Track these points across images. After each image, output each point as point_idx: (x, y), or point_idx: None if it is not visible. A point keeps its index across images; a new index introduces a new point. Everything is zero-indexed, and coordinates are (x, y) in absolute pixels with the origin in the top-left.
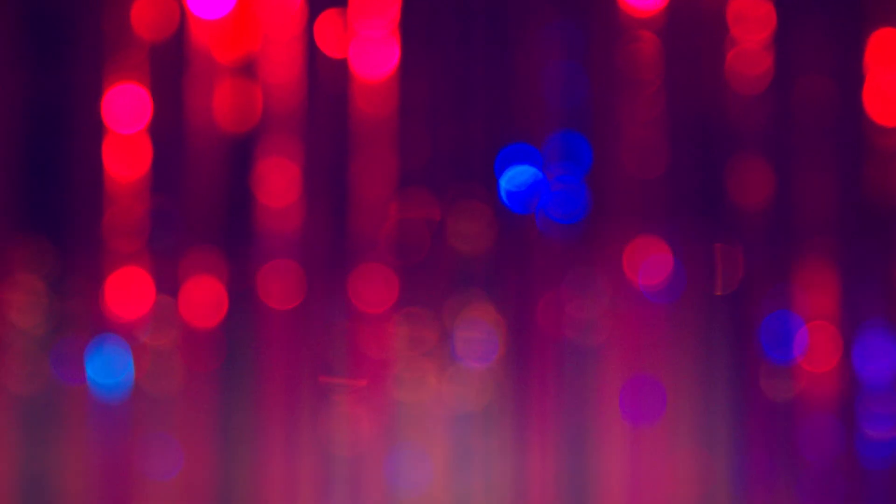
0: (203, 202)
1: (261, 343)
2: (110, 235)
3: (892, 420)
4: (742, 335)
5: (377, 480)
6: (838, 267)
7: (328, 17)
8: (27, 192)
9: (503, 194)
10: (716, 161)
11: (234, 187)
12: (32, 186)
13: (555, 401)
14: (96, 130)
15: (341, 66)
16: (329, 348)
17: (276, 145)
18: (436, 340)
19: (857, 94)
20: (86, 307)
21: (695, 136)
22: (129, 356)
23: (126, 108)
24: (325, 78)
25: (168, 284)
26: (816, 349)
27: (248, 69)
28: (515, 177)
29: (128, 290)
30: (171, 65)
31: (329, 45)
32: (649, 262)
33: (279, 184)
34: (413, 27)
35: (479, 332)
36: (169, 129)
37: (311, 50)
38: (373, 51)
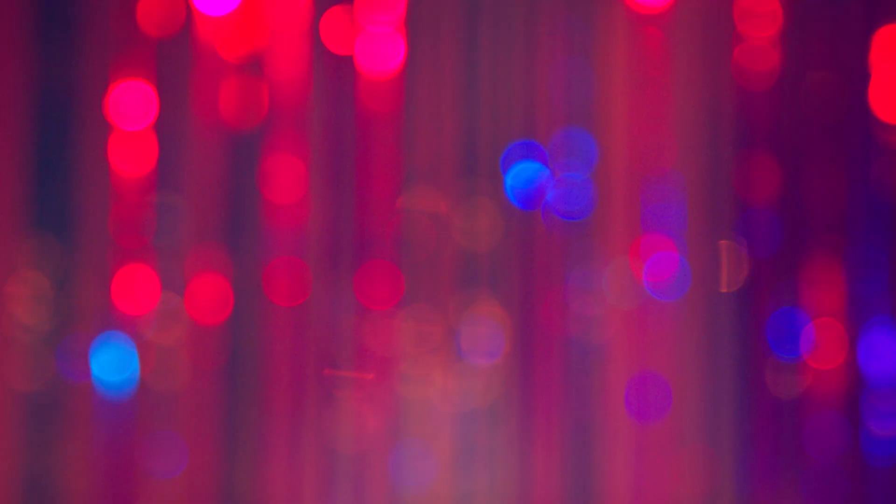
0: (209, 199)
1: (266, 340)
2: (116, 232)
3: None
4: (748, 332)
5: (382, 477)
6: (844, 264)
7: (334, 13)
8: (33, 189)
9: (509, 191)
10: (722, 158)
11: (239, 184)
12: (39, 183)
13: (560, 397)
14: (102, 127)
15: (347, 63)
16: (335, 345)
17: (281, 142)
18: (441, 337)
19: (864, 90)
20: (92, 304)
21: (701, 133)
22: (135, 353)
23: (132, 104)
24: (331, 74)
25: (174, 281)
26: (823, 346)
27: (254, 66)
28: (521, 173)
29: (134, 286)
30: (177, 62)
31: (335, 42)
32: (655, 259)
33: (285, 180)
34: (419, 24)
35: (484, 328)
36: (175, 126)
37: (317, 47)
38: (379, 47)
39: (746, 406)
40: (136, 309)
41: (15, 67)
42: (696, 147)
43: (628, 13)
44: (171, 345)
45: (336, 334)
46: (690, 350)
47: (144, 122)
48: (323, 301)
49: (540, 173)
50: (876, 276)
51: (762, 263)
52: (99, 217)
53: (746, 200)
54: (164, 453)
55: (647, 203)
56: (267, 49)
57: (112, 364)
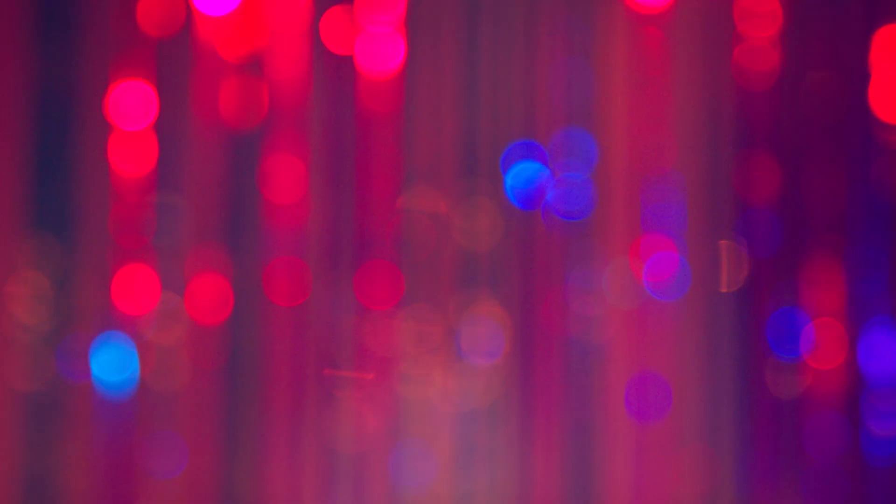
0: (209, 199)
1: (266, 340)
2: (116, 232)
3: None
4: (748, 332)
5: (382, 477)
6: (845, 264)
7: (334, 13)
8: (33, 189)
9: (509, 191)
10: (722, 158)
11: (239, 184)
12: (39, 183)
13: (560, 397)
14: (102, 127)
15: (347, 63)
16: (335, 345)
17: (281, 142)
18: (441, 337)
19: (864, 90)
20: (92, 304)
21: (701, 133)
22: (135, 353)
23: (132, 104)
24: (331, 74)
25: (174, 281)
26: (823, 346)
27: (254, 66)
28: (521, 173)
29: (134, 286)
30: (177, 62)
31: (335, 42)
32: (655, 258)
33: (285, 180)
34: (419, 24)
35: (484, 328)
36: (175, 126)
37: (317, 47)
38: (379, 47)
39: (746, 406)
40: (136, 309)
41: (15, 67)
42: (695, 147)
43: (628, 13)
44: (171, 345)
45: (336, 334)
46: (690, 350)
47: (144, 122)
48: (323, 301)
49: (540, 173)
50: (876, 276)
51: (762, 263)
52: (99, 217)
53: (746, 200)
54: (164, 453)
55: (646, 203)
56: (267, 49)
57: (112, 364)
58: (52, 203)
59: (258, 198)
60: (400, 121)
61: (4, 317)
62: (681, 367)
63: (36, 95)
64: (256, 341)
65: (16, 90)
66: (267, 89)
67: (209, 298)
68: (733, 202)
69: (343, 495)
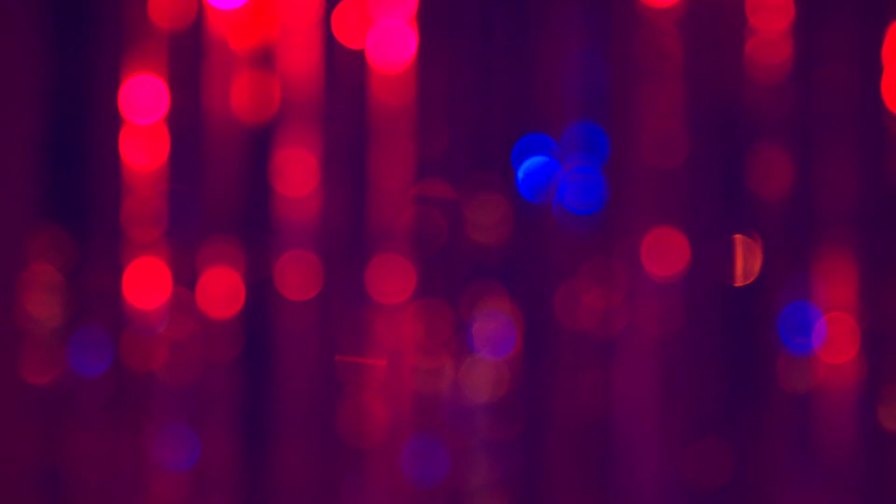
0: (221, 193)
1: (278, 334)
2: (128, 226)
3: None
4: (760, 326)
5: (394, 470)
6: (858, 258)
7: (346, 6)
8: (45, 183)
9: (521, 185)
10: (735, 151)
11: (251, 178)
12: (50, 177)
13: (572, 391)
14: (114, 121)
15: (359, 56)
16: (346, 338)
17: (293, 136)
18: (452, 331)
19: (877, 83)
20: (103, 297)
21: (714, 126)
22: (146, 346)
23: (143, 98)
24: (343, 68)
25: (186, 275)
26: (835, 340)
27: (265, 59)
28: (533, 167)
29: (145, 280)
30: (188, 55)
31: (347, 35)
32: (667, 252)
33: (297, 174)
34: (431, 16)
35: (496, 322)
36: (186, 120)
37: (329, 40)
38: (391, 40)
39: (758, 400)
40: (148, 302)
41: (27, 61)
42: (708, 141)
43: (641, 6)
44: (183, 338)
45: (347, 328)
46: (702, 344)
47: (156, 115)
48: (334, 295)
49: (552, 167)
50: (889, 270)
51: (775, 257)
52: (111, 210)
53: (759, 194)
54: (175, 447)
55: (659, 197)
56: (278, 42)
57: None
58: (64, 196)
59: (270, 191)
60: (412, 114)
61: (17, 309)
62: (692, 361)
63: (47, 89)
64: (268, 335)
65: (27, 84)
66: (278, 83)
67: (221, 292)
68: (746, 196)
69: (354, 488)
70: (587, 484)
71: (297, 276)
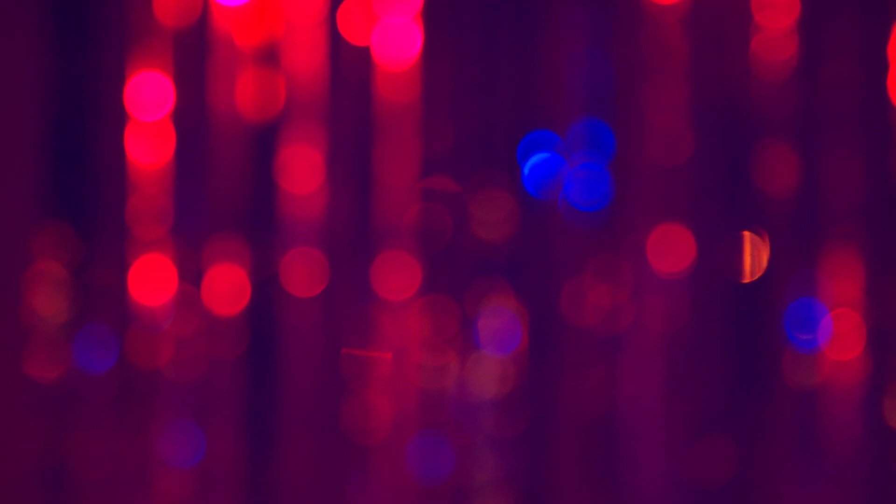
0: (226, 190)
1: (283, 331)
2: (133, 223)
3: None
4: (766, 323)
5: (398, 468)
6: (863, 254)
7: (351, 3)
8: (51, 180)
9: (526, 182)
10: (740, 148)
11: (256, 175)
12: (56, 174)
13: (577, 389)
14: (119, 118)
15: (364, 54)
16: (352, 335)
17: (298, 133)
18: (458, 328)
19: (882, 80)
20: (109, 294)
21: (719, 123)
22: (152, 343)
23: (149, 95)
24: (348, 65)
25: (191, 272)
26: (841, 337)
27: (270, 57)
28: (538, 164)
29: (151, 277)
30: (193, 52)
31: (352, 33)
32: (673, 249)
33: (302, 171)
34: (436, 14)
35: (501, 319)
36: (192, 117)
37: (334, 37)
38: (396, 38)
39: (764, 397)
40: (153, 299)
41: (32, 59)
42: (713, 138)
43: (646, 3)
44: (188, 335)
45: (353, 324)
46: (708, 341)
47: (161, 112)
48: (340, 292)
49: (557, 164)
50: (894, 266)
51: (780, 254)
52: (116, 207)
53: (764, 191)
54: (181, 444)
55: (664, 193)
56: (283, 40)
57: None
58: (70, 193)
59: (275, 188)
60: (417, 111)
61: (22, 307)
62: (698, 358)
63: (53, 86)
64: (273, 332)
65: (33, 81)
66: (284, 80)
67: (226, 289)
68: (751, 193)
69: (359, 485)
70: (592, 480)
71: (303, 273)
